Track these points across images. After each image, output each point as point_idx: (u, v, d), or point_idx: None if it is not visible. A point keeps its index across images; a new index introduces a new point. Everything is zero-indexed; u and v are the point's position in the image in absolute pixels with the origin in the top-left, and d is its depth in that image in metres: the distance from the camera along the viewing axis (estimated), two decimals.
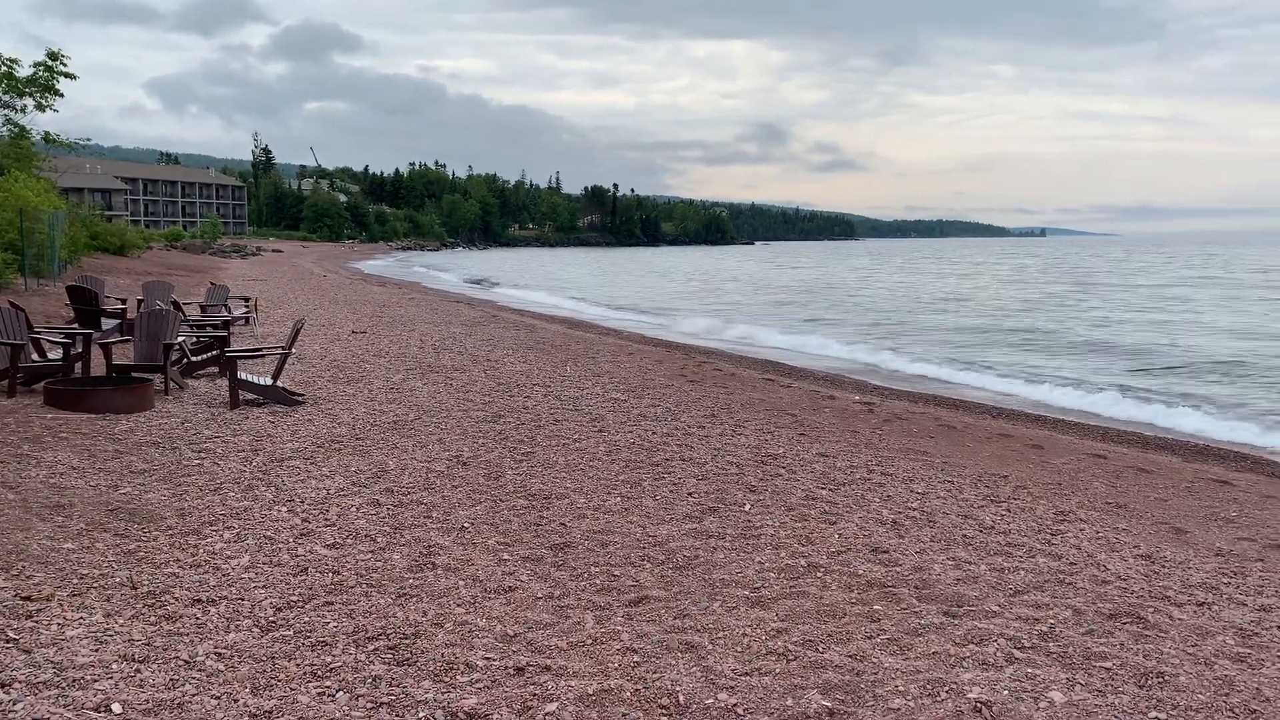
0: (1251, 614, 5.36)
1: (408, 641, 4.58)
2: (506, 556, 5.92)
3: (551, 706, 3.93)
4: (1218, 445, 12.78)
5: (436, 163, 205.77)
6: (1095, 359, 22.94)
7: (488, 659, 4.40)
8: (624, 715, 3.89)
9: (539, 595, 5.28)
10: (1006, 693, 4.15)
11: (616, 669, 4.33)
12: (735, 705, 4.00)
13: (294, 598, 5.08)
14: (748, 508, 7.17)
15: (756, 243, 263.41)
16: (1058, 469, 9.68)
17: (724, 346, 24.12)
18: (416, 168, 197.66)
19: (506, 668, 4.32)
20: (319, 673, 4.19)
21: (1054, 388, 18.17)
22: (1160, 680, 4.32)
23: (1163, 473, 10.00)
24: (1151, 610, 5.29)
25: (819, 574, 5.71)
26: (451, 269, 71.74)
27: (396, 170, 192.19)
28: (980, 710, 3.99)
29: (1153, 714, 3.99)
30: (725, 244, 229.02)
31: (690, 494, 7.51)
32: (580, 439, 9.48)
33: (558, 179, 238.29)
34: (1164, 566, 6.27)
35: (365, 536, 6.22)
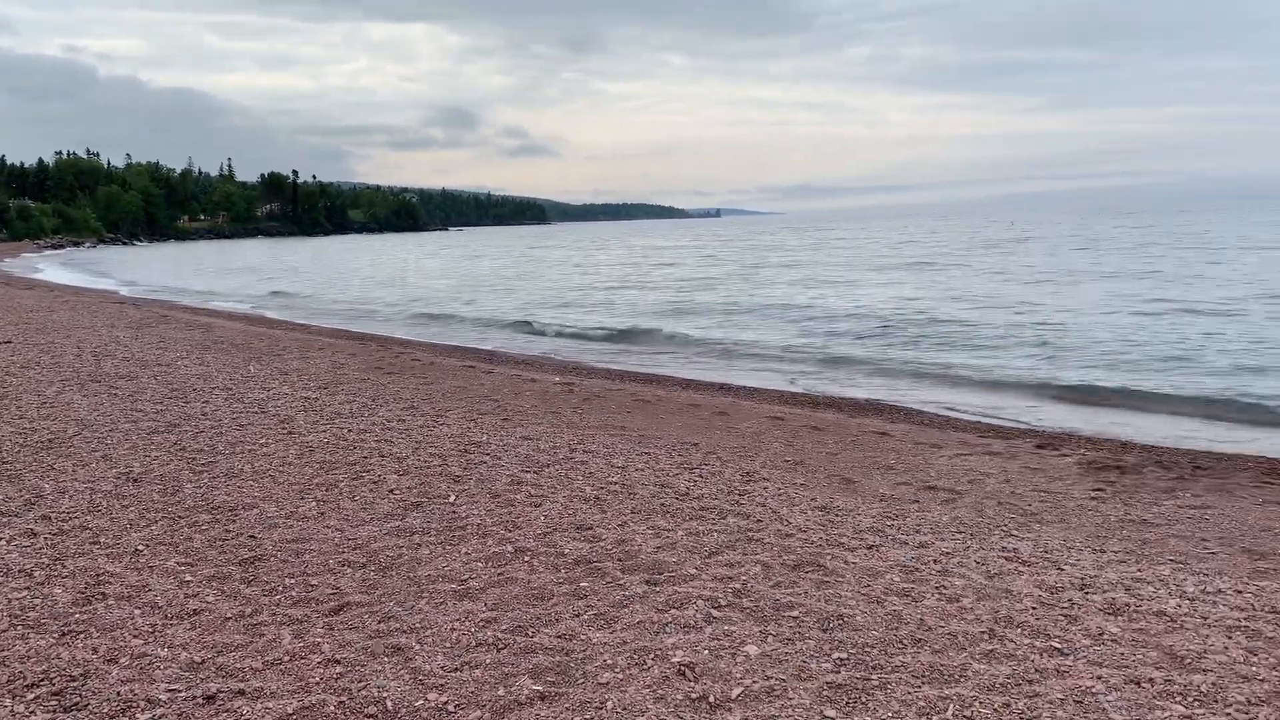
0: (912, 551, 5.97)
1: (75, 684, 4.12)
2: (189, 578, 5.47)
3: None
4: (876, 402, 14.13)
5: (89, 151, 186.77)
6: (781, 327, 24.65)
7: (173, 691, 4.05)
8: None
9: (228, 615, 4.92)
10: (707, 652, 4.36)
11: (319, 683, 4.13)
12: (446, 703, 3.94)
13: None
14: (453, 499, 7.07)
15: (450, 229, 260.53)
16: (742, 433, 10.31)
17: (423, 336, 23.68)
18: (65, 157, 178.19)
19: (195, 698, 3.99)
20: None
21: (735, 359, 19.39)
22: (840, 622, 4.72)
23: (832, 429, 10.91)
24: (829, 557, 5.75)
25: (527, 558, 5.74)
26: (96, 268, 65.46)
27: (40, 160, 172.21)
28: (684, 672, 4.17)
29: (836, 654, 4.34)
30: (417, 230, 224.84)
31: (392, 491, 7.30)
32: (268, 443, 8.94)
33: (230, 166, 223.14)
34: (837, 515, 6.84)
35: (19, 572, 5.53)
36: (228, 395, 11.71)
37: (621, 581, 5.31)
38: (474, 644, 4.53)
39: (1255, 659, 4.35)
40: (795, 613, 4.84)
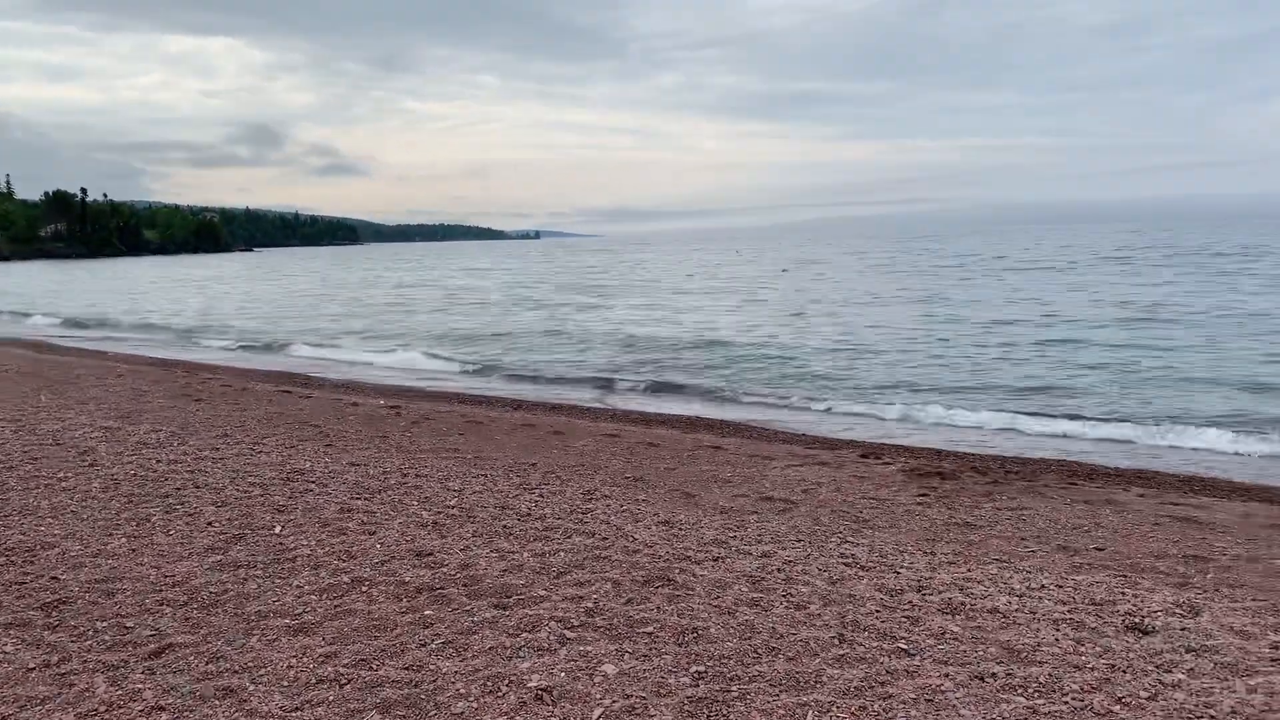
0: (756, 561, 6.02)
1: None
2: None
3: None
4: (706, 418, 14.36)
5: None
6: (606, 351, 24.76)
7: None
8: None
9: (31, 666, 4.43)
10: (564, 674, 4.23)
11: None
12: None
13: None
14: (279, 529, 6.66)
15: (256, 250, 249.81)
16: (580, 451, 10.23)
17: (230, 361, 22.49)
18: None
19: None
20: None
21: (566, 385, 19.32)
22: (695, 635, 4.68)
23: (667, 445, 10.98)
24: (678, 571, 5.73)
25: (365, 588, 5.44)
26: None
27: None
28: (542, 697, 4.03)
29: (694, 668, 4.30)
30: (220, 251, 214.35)
31: (210, 523, 6.80)
32: (67, 477, 8.20)
33: (8, 182, 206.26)
34: (681, 529, 6.84)
35: None
36: (17, 427, 10.70)
37: (469, 607, 5.11)
38: (314, 681, 4.24)
39: (1083, 649, 4.58)
40: (650, 629, 4.78)
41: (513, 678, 4.21)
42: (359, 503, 7.44)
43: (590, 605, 5.11)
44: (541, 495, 7.87)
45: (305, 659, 4.47)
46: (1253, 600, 5.52)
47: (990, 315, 28.89)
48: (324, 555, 6.07)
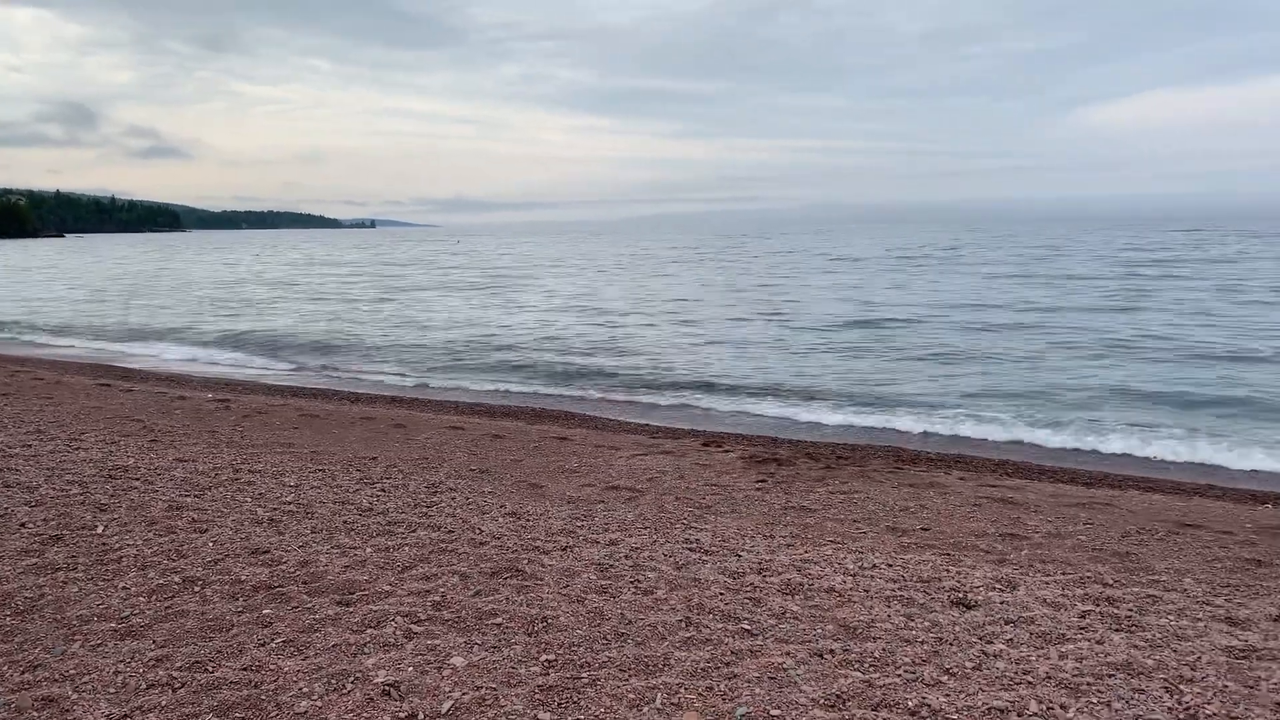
0: (604, 549, 6.08)
1: None
2: None
3: None
4: (551, 409, 14.36)
5: None
6: (435, 337, 24.39)
7: None
8: None
9: None
10: (411, 669, 4.17)
11: None
12: None
13: None
14: (101, 529, 6.29)
15: (69, 235, 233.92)
16: (423, 444, 10.06)
17: (40, 353, 21.04)
18: None
19: None
20: None
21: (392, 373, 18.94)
22: (545, 624, 4.69)
23: (513, 436, 10.93)
24: (526, 562, 5.72)
25: (198, 588, 5.21)
26: None
27: None
28: (389, 692, 3.95)
29: (544, 657, 4.31)
30: (26, 237, 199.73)
31: (24, 524, 6.36)
32: None
33: None
34: (529, 520, 6.84)
35: None
36: None
37: (310, 605, 4.96)
38: (144, 686, 4.03)
39: (913, 624, 4.83)
40: (499, 619, 4.76)
41: (358, 674, 4.12)
42: (189, 500, 7.11)
43: (437, 599, 5.04)
44: (384, 489, 7.71)
45: (134, 664, 4.25)
46: (1062, 574, 5.95)
47: (818, 310, 29.98)
48: (152, 555, 5.77)
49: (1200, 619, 5.03)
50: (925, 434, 13.07)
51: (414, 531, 6.38)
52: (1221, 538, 7.17)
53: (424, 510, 7.01)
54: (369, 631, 4.60)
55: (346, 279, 52.23)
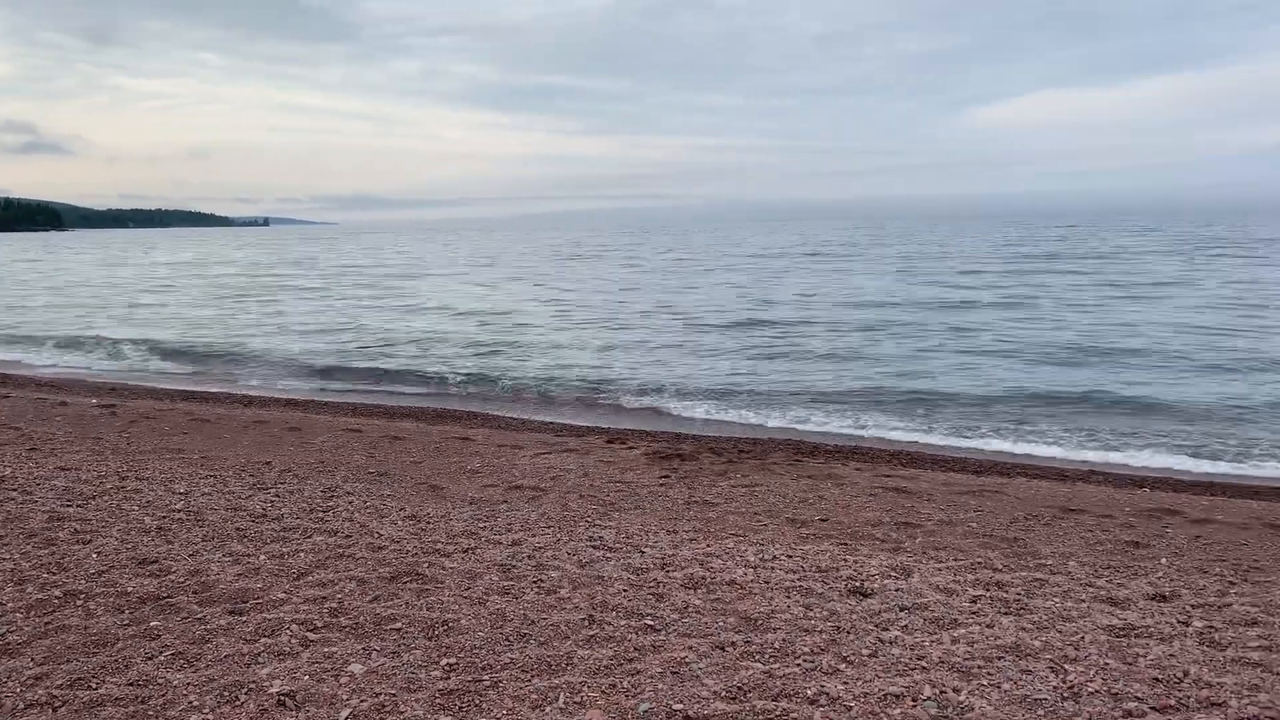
0: (507, 550, 6.03)
1: None
2: None
3: None
4: (454, 410, 14.20)
5: None
6: (318, 340, 23.88)
7: None
8: None
9: None
10: (308, 678, 4.07)
11: None
12: None
13: None
14: None
15: None
16: (319, 448, 9.83)
17: None
18: None
19: None
20: None
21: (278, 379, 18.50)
22: (446, 628, 4.63)
23: (413, 438, 10.77)
24: (427, 565, 5.64)
25: (80, 601, 4.99)
26: None
27: None
28: (284, 702, 3.85)
29: (445, 661, 4.25)
30: None
31: None
32: None
33: None
34: (429, 523, 6.74)
35: None
36: None
37: (200, 615, 4.80)
38: (21, 706, 3.85)
39: (812, 613, 4.91)
40: (398, 625, 4.68)
41: (252, 685, 4.00)
42: (71, 510, 6.81)
43: (334, 605, 4.93)
44: (278, 495, 7.51)
45: (11, 683, 4.05)
46: (954, 560, 6.13)
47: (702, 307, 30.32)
48: (30, 568, 5.51)
49: (1083, 600, 5.23)
50: (823, 432, 13.34)
51: (310, 537, 6.23)
52: (1103, 521, 7.48)
53: (320, 515, 6.86)
54: (263, 641, 4.47)
55: (233, 278, 50.77)
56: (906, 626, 4.72)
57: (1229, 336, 21.16)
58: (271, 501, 7.26)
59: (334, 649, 4.37)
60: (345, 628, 4.64)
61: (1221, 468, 10.97)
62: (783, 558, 6.03)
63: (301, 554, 5.84)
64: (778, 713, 3.72)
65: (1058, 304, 28.63)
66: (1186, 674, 4.12)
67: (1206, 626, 4.78)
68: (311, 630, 4.59)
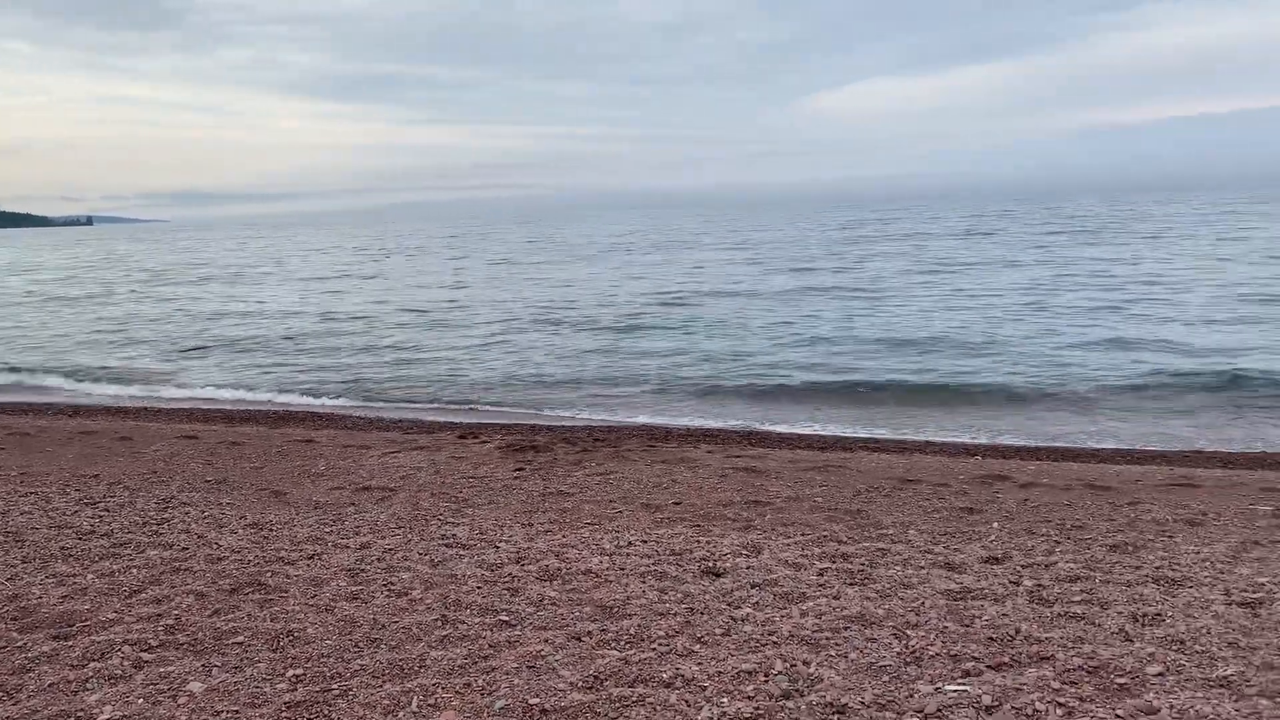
0: (355, 554, 5.87)
1: None
2: None
3: None
4: (297, 412, 13.72)
5: None
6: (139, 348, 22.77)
7: None
8: None
9: None
10: (142, 700, 3.86)
11: None
12: None
13: None
14: None
15: None
16: (152, 458, 9.34)
17: None
18: None
19: None
20: None
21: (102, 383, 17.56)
22: (291, 638, 4.46)
23: (253, 443, 10.35)
24: (270, 574, 5.43)
25: None
26: None
27: None
28: None
29: (291, 672, 4.10)
30: None
31: None
32: None
33: None
34: (272, 530, 6.49)
35: None
36: None
37: (21, 643, 4.48)
38: None
39: (667, 597, 4.97)
40: (240, 638, 4.48)
41: (80, 714, 3.76)
42: None
43: (171, 622, 4.69)
44: (107, 509, 7.09)
45: None
46: (801, 535, 6.30)
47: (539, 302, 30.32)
48: None
49: (923, 566, 5.46)
50: (665, 428, 13.52)
51: (143, 552, 5.91)
52: (939, 490, 7.83)
53: (154, 529, 6.51)
54: (92, 665, 4.21)
55: (57, 280, 47.66)
56: (758, 603, 4.83)
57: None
58: (100, 517, 6.85)
59: (171, 668, 4.16)
60: (183, 645, 4.42)
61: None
62: (638, 543, 6.07)
63: (134, 570, 5.54)
64: (634, 698, 3.74)
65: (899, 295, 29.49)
66: (1018, 631, 4.35)
67: (1035, 585, 5.06)
68: (146, 650, 4.36)
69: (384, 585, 5.23)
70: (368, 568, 5.56)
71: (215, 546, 6.03)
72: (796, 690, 3.78)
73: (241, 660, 4.25)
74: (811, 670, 3.96)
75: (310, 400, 15.30)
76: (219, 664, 4.20)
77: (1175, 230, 53.24)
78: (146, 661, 4.24)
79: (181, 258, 69.53)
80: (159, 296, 36.10)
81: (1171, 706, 3.53)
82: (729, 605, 4.81)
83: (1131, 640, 4.22)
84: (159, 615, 4.79)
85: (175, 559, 5.75)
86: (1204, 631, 4.28)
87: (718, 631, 4.45)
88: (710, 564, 5.53)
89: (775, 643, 4.29)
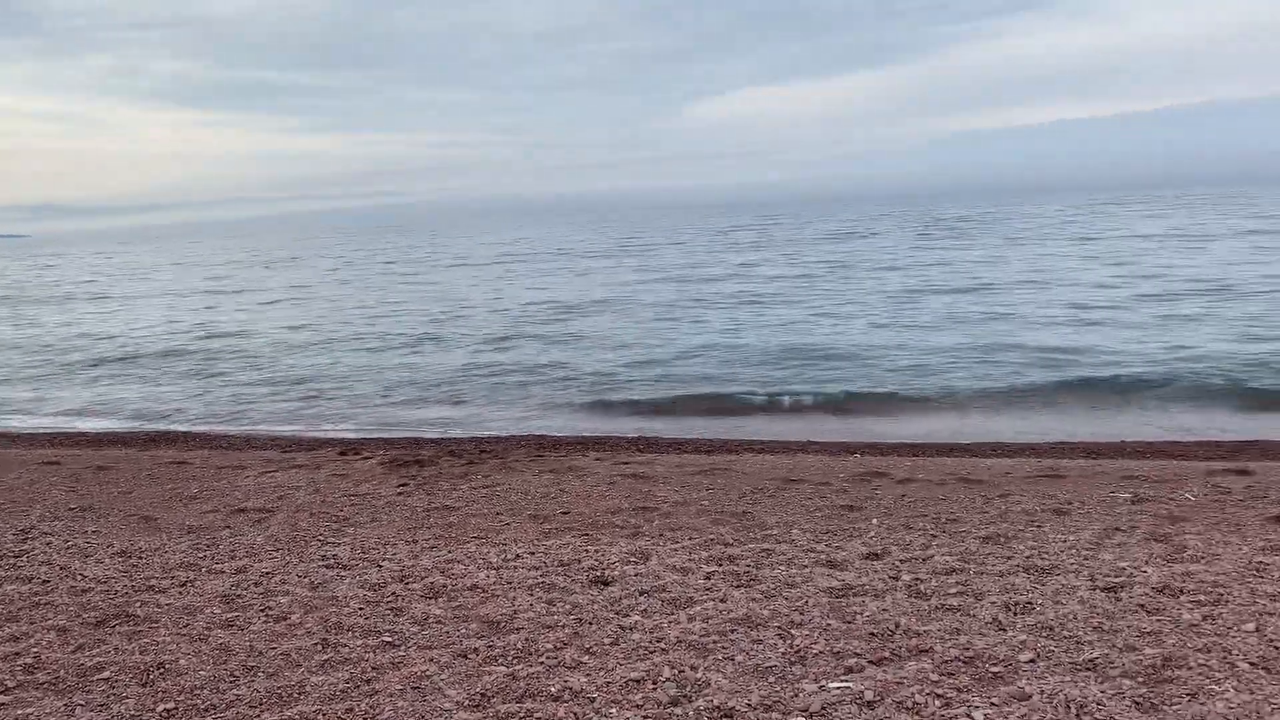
0: (230, 579, 5.66)
1: None
2: None
3: None
4: (170, 432, 13.18)
5: None
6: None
7: None
8: None
9: None
10: None
11: None
12: None
13: None
14: None
15: None
16: (10, 486, 8.85)
17: None
18: None
19: None
20: None
21: None
22: (162, 671, 4.27)
23: (121, 466, 9.90)
24: (139, 604, 5.19)
25: None
26: None
27: None
28: None
29: (161, 707, 3.92)
30: None
31: None
32: None
33: None
34: (141, 557, 6.22)
35: None
36: None
37: None
38: None
39: (555, 609, 4.93)
40: (106, 674, 4.27)
41: None
42: None
43: (29, 660, 4.44)
44: None
45: None
46: (689, 539, 6.35)
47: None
48: None
49: (806, 565, 5.56)
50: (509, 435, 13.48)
51: None
52: (820, 489, 8.00)
53: (12, 561, 6.16)
54: None
55: None
56: (645, 610, 4.84)
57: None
58: None
59: (29, 710, 3.94)
60: (43, 684, 4.19)
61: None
62: (525, 555, 6.02)
63: None
64: (522, 714, 3.70)
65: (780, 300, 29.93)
66: (898, 626, 4.47)
67: (914, 579, 5.21)
68: (2, 692, 4.11)
69: (261, 610, 5.06)
70: (244, 593, 5.37)
71: (80, 577, 5.74)
72: (684, 696, 3.80)
73: (108, 697, 4.05)
74: (699, 675, 3.98)
75: (180, 422, 14.72)
76: (83, 703, 4.00)
77: (1033, 232, 55.49)
78: (3, 705, 4.00)
79: (39, 275, 66.15)
80: (16, 318, 34.22)
81: (1042, 691, 3.67)
82: (617, 614, 4.81)
83: (1005, 629, 4.37)
84: (16, 654, 4.53)
85: (35, 593, 5.45)
86: (1071, 617, 4.48)
87: (606, 641, 4.44)
88: (598, 573, 5.52)
89: (663, 649, 4.30)
